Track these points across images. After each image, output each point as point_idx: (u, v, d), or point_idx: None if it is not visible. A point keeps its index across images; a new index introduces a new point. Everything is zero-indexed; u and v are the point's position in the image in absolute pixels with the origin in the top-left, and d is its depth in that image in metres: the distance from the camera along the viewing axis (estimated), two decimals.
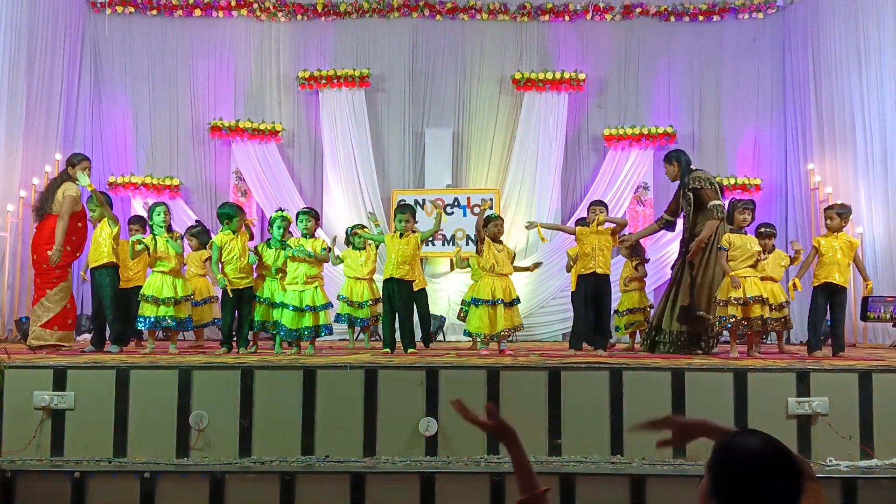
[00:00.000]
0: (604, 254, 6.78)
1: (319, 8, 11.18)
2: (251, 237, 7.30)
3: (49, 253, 6.35)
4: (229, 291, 6.63)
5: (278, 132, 11.02)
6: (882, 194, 9.59)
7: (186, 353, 6.44)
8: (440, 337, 9.82)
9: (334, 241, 8.06)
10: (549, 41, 11.30)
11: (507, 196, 10.91)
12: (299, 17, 11.25)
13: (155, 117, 11.13)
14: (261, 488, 4.53)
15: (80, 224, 6.67)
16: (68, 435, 4.77)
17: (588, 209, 7.13)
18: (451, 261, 8.94)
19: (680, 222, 7.10)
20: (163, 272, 6.67)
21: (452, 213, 10.59)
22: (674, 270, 6.95)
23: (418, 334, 7.37)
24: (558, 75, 10.89)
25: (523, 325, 7.07)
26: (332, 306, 7.00)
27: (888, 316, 8.35)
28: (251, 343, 6.83)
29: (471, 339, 7.46)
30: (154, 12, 11.16)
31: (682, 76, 11.22)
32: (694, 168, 6.88)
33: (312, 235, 6.67)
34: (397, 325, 6.75)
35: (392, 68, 11.26)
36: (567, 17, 11.21)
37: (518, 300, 6.81)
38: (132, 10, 11.13)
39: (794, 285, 6.80)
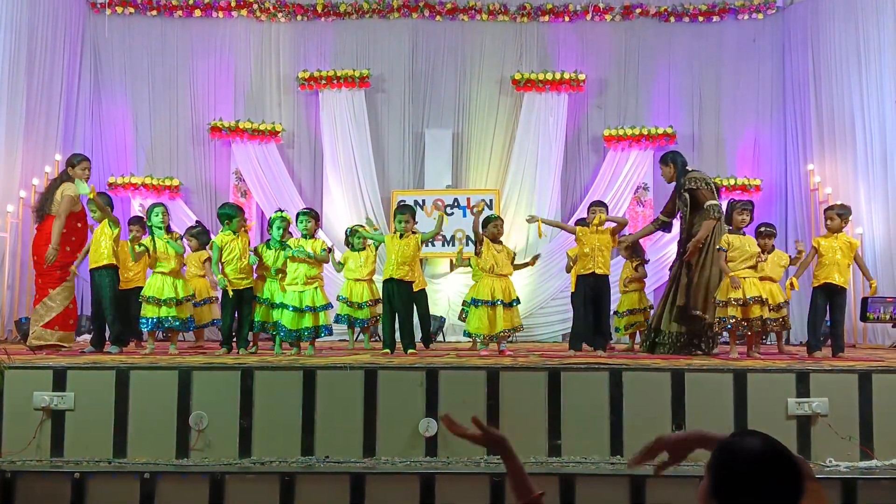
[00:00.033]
0: (603, 254, 6.78)
1: (319, 8, 11.18)
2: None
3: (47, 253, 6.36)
4: (229, 292, 6.63)
5: (278, 133, 11.02)
6: (882, 195, 9.59)
7: (186, 354, 6.44)
8: (440, 337, 9.81)
9: (331, 250, 8.06)
10: (548, 42, 11.30)
11: (507, 196, 10.91)
12: (299, 17, 11.25)
13: (155, 118, 11.13)
14: (261, 489, 4.53)
15: (79, 224, 6.67)
16: (68, 435, 4.77)
17: (588, 210, 7.14)
18: (451, 261, 8.93)
19: (677, 223, 7.10)
20: (163, 273, 6.69)
21: (452, 213, 10.58)
22: (672, 271, 6.96)
23: (418, 335, 7.37)
24: (558, 76, 10.89)
25: (523, 325, 7.08)
26: (332, 307, 7.00)
27: (888, 317, 8.34)
28: (251, 344, 6.84)
29: (470, 339, 7.47)
30: (154, 13, 11.16)
31: (682, 77, 11.22)
32: (690, 169, 6.88)
33: (312, 236, 6.67)
34: (397, 325, 6.75)
35: (392, 69, 11.25)
36: (567, 18, 11.20)
37: (518, 301, 6.82)
38: (132, 10, 11.13)
39: (792, 284, 6.79)
